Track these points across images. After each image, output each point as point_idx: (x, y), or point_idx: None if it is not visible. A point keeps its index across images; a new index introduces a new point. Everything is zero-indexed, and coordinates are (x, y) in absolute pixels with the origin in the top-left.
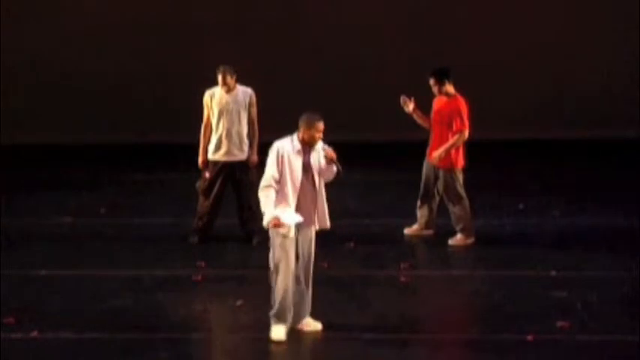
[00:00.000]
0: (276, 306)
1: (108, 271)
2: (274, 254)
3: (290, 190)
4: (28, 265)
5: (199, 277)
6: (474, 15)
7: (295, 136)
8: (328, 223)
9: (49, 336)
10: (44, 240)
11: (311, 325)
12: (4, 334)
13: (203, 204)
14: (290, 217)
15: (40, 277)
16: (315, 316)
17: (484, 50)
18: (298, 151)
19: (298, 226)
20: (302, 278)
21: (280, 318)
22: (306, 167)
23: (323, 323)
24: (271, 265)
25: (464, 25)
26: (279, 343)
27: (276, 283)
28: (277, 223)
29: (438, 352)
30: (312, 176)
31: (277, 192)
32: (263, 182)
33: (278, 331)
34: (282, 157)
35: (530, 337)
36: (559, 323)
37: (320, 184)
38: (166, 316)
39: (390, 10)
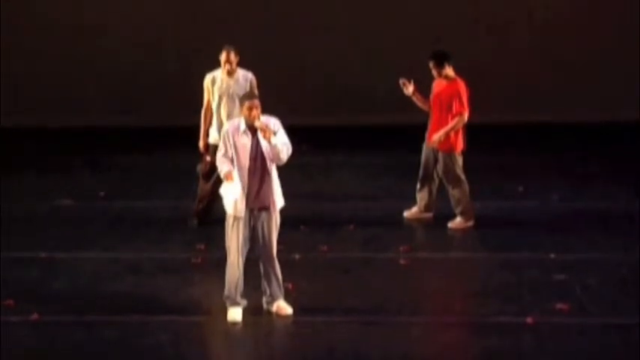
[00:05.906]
0: (225, 288)
1: (107, 253)
2: (226, 237)
3: (239, 170)
4: (28, 248)
5: (199, 260)
6: None
7: (243, 118)
8: (279, 204)
9: (48, 319)
10: (44, 223)
11: (282, 309)
12: (4, 316)
13: (203, 187)
14: (234, 203)
15: (39, 260)
16: (314, 299)
17: (484, 32)
18: (245, 132)
19: (254, 210)
20: (263, 261)
21: (230, 300)
22: (254, 149)
23: (322, 306)
24: None
25: (463, 8)
26: (235, 324)
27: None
28: (229, 176)
29: (437, 334)
30: (263, 158)
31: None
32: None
33: (232, 314)
34: (228, 136)
35: (529, 320)
36: (558, 306)
37: (271, 165)
38: (166, 298)
39: None
